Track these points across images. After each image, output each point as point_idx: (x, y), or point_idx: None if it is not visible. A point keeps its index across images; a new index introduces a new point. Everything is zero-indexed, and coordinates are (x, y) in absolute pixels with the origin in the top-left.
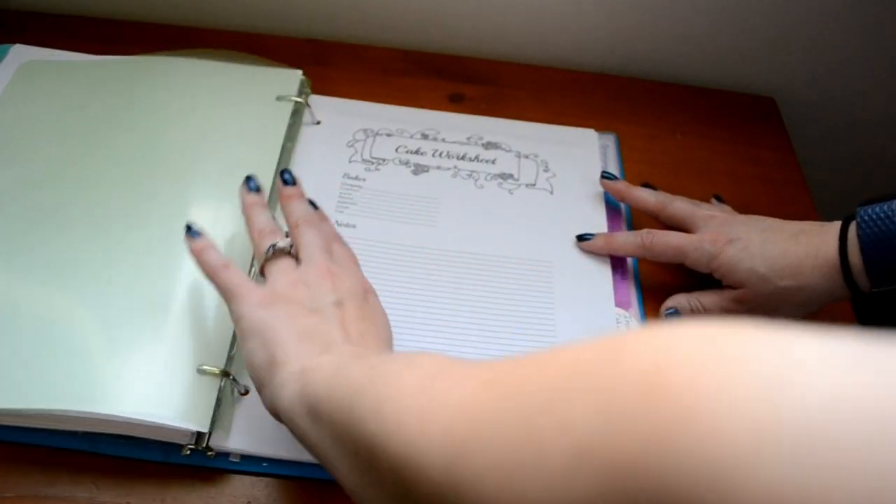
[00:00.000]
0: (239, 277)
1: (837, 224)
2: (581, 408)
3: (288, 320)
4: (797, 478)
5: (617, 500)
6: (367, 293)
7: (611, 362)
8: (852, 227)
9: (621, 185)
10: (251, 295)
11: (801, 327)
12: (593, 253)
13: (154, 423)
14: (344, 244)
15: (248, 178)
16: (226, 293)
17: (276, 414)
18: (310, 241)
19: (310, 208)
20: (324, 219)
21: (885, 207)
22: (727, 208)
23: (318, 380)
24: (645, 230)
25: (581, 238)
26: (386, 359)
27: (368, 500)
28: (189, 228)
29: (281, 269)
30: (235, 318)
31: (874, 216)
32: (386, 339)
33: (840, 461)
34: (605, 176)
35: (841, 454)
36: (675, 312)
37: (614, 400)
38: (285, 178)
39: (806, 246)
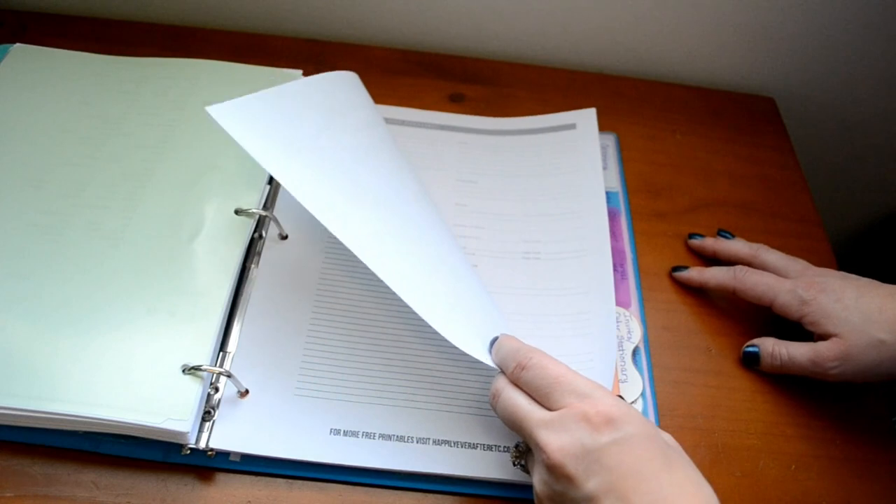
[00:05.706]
0: None
1: None
2: None
3: None
4: None
5: None
6: None
7: None
8: None
9: (709, 242)
10: None
11: None
12: (687, 284)
13: (135, 423)
14: None
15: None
16: None
17: None
18: None
19: None
20: None
21: None
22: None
23: None
24: (739, 266)
25: (675, 269)
26: None
27: None
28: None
29: None
30: None
31: None
32: None
33: None
34: (693, 237)
35: None
36: (755, 352)
37: None
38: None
39: None
